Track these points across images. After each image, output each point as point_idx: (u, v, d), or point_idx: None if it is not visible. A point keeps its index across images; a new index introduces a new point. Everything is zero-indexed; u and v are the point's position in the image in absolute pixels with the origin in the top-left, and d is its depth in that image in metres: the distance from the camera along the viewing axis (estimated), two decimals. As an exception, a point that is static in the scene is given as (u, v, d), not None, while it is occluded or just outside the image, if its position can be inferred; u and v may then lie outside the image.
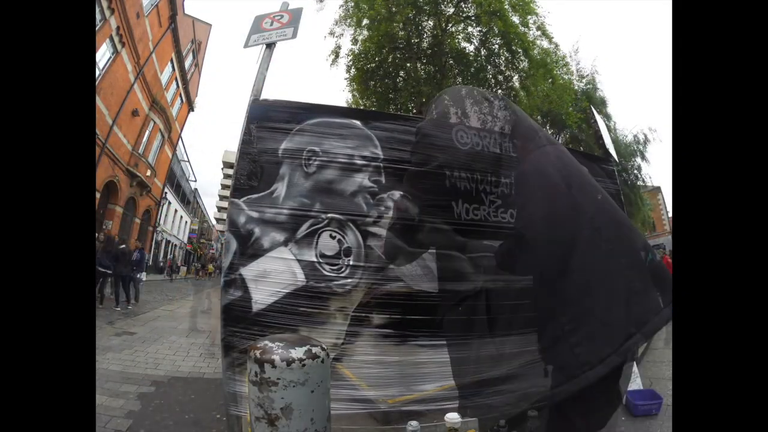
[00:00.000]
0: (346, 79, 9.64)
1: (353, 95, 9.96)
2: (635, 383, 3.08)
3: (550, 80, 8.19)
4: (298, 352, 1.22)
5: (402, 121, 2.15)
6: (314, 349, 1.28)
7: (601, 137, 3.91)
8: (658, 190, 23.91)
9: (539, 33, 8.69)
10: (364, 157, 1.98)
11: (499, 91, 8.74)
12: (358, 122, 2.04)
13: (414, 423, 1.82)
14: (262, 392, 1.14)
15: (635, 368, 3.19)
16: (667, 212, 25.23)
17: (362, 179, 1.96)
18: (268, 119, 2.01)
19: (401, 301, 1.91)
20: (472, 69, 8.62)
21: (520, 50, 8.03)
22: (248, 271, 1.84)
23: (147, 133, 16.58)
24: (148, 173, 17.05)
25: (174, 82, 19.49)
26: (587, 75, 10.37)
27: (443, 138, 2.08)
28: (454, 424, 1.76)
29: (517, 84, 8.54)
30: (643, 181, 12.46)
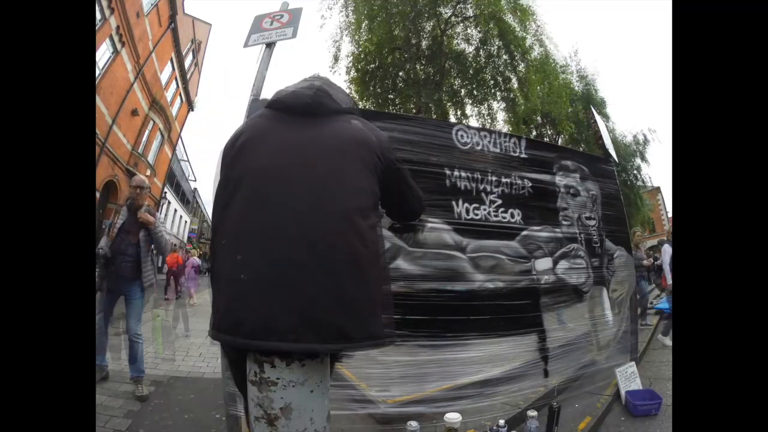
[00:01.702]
0: (345, 81, 9.66)
1: (353, 97, 9.94)
2: (635, 383, 3.08)
3: (547, 83, 8.20)
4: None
5: (402, 121, 2.15)
6: None
7: (600, 138, 3.91)
8: (658, 190, 23.94)
9: (537, 36, 8.70)
10: None
11: (498, 93, 8.77)
12: None
13: (414, 423, 1.82)
14: (262, 392, 1.13)
15: (635, 368, 3.19)
16: (666, 212, 25.26)
17: None
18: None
19: (401, 301, 1.90)
20: (471, 70, 8.62)
21: (518, 53, 8.04)
22: None
23: (147, 132, 16.56)
24: (148, 173, 17.03)
25: (174, 82, 19.47)
26: (586, 76, 10.40)
27: None
28: (454, 424, 1.76)
29: (515, 86, 8.55)
30: (643, 181, 12.48)
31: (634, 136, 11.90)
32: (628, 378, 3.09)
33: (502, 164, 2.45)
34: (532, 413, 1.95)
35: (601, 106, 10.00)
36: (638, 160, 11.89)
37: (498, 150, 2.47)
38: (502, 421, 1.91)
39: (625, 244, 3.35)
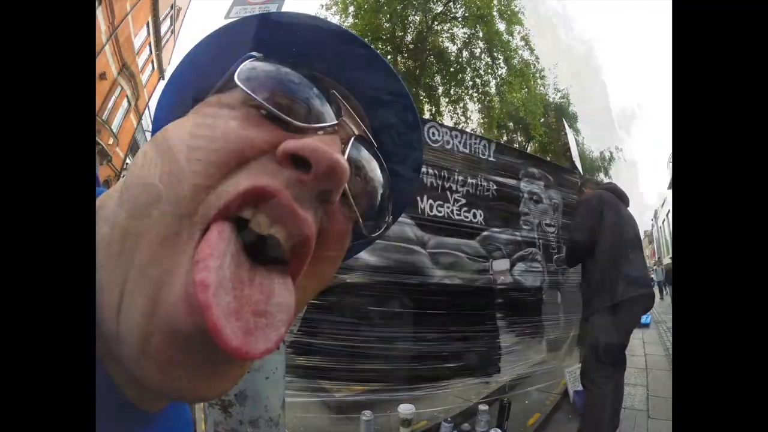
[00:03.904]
0: None
1: None
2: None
3: (525, 90, 8.41)
4: None
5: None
6: None
7: (569, 149, 4.07)
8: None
9: (522, 43, 8.88)
10: None
11: (475, 94, 8.88)
12: None
13: (368, 413, 1.83)
14: None
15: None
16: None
17: None
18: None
19: (359, 291, 1.89)
20: (452, 69, 8.64)
21: (500, 57, 8.17)
22: None
23: (113, 98, 15.54)
24: (110, 141, 16.03)
25: (147, 48, 18.36)
26: (563, 89, 10.76)
27: None
28: (407, 415, 1.78)
29: (493, 90, 8.70)
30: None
31: (601, 153, 12.52)
32: (576, 378, 3.25)
33: (470, 165, 2.49)
34: (484, 407, 2.02)
35: (572, 119, 10.40)
36: (602, 176, 12.50)
37: (467, 150, 2.50)
38: (449, 418, 1.96)
39: (582, 252, 3.51)
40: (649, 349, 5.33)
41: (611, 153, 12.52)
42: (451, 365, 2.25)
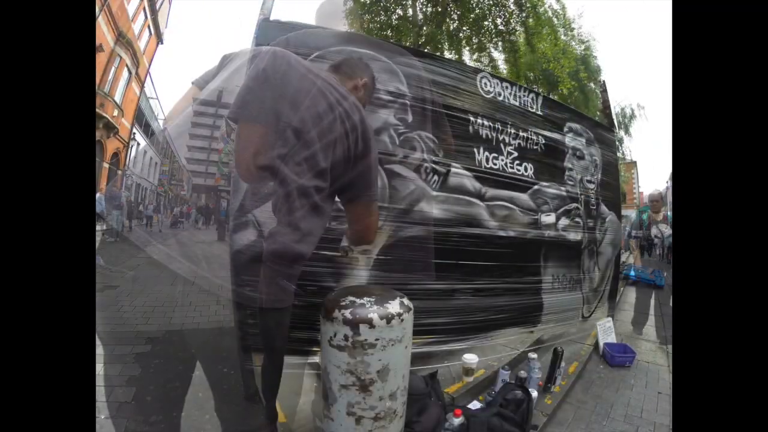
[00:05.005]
0: (343, 10, 8.85)
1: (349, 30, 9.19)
2: (611, 337, 3.32)
3: (553, 39, 7.89)
4: (394, 306, 1.06)
5: (429, 60, 2.01)
6: (404, 300, 1.12)
7: (608, 107, 3.92)
8: (634, 164, 24.76)
9: None
10: (389, 93, 1.83)
11: (500, 42, 8.32)
12: (382, 56, 1.87)
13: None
14: (355, 357, 1.00)
15: (612, 323, 3.43)
16: (638, 186, 26.37)
17: (387, 116, 1.82)
18: (281, 42, 1.80)
19: (423, 244, 1.87)
20: (472, 15, 8.05)
21: (529, 5, 7.57)
22: (262, 212, 1.69)
23: (113, 69, 15.12)
24: (115, 113, 15.78)
25: (142, 13, 17.56)
26: (586, 41, 10.12)
27: None
28: (471, 364, 1.83)
29: (521, 39, 8.10)
30: (623, 153, 12.78)
31: (622, 109, 12.02)
32: (606, 331, 3.32)
33: (521, 118, 2.40)
34: (533, 355, 2.07)
35: (596, 72, 9.88)
36: (621, 132, 12.08)
37: (517, 103, 2.41)
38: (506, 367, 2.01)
39: (616, 210, 3.48)
40: (665, 309, 5.49)
41: (633, 110, 12.04)
42: (502, 316, 2.28)
